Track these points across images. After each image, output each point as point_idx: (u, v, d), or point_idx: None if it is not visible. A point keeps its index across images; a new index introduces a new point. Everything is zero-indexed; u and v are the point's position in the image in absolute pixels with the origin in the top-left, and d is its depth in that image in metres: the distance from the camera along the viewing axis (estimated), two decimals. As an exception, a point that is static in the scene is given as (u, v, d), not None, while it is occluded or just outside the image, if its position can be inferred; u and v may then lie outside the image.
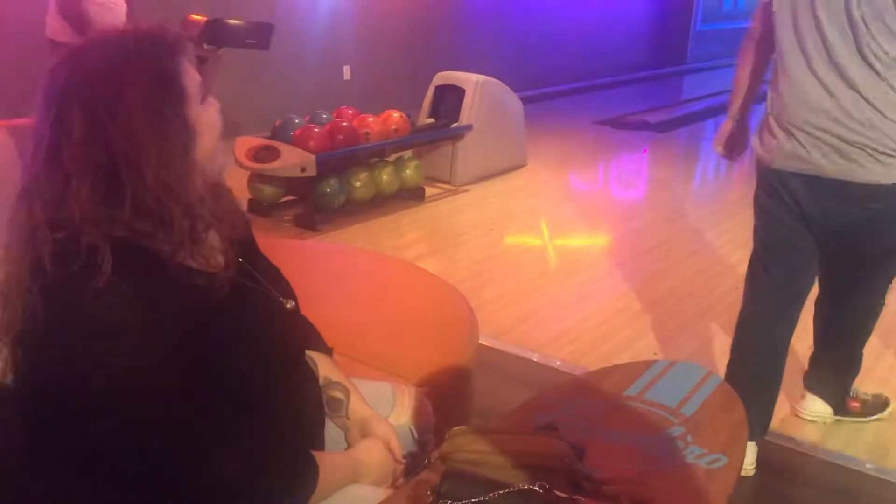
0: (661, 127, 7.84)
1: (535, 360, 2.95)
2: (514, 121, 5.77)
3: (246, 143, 4.24)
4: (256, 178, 4.38)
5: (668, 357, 2.99)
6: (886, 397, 2.66)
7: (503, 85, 5.63)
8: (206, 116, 1.12)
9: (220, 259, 1.16)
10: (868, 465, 2.37)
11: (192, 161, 1.08)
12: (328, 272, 2.18)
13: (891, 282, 2.27)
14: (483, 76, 5.46)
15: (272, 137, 4.36)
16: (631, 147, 7.25)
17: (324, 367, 1.41)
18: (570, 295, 3.60)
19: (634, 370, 1.66)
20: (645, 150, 7.07)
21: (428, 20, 7.75)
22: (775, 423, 2.57)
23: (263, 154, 4.15)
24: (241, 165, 4.22)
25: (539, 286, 3.71)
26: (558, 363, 2.93)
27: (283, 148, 4.19)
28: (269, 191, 4.41)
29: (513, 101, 5.75)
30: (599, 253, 4.32)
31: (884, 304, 2.32)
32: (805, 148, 2.02)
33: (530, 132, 6.02)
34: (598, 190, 5.87)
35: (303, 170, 4.11)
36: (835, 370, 2.55)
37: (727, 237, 4.47)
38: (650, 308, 3.45)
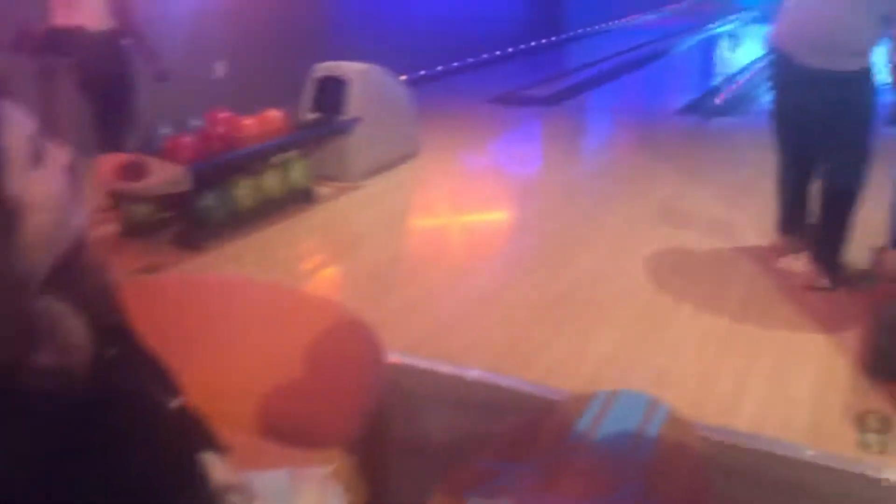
0: (550, 100, 7.75)
1: (452, 373, 2.72)
2: (402, 109, 5.51)
3: (109, 161, 3.82)
4: (126, 198, 3.96)
5: (592, 353, 2.84)
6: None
7: (387, 72, 5.36)
8: (40, 187, 0.81)
9: (80, 349, 0.87)
10: (808, 453, 2.28)
11: (18, 246, 0.78)
12: (194, 316, 1.88)
13: None
14: (366, 64, 5.18)
15: (139, 151, 3.96)
16: (522, 124, 7.13)
17: (216, 469, 1.14)
18: (480, 292, 3.40)
19: (575, 408, 1.47)
20: (537, 127, 6.96)
21: (303, 9, 7.36)
22: (706, 415, 2.47)
23: (130, 171, 3.74)
24: (106, 188, 3.81)
25: (446, 286, 3.50)
26: (477, 374, 2.72)
27: (153, 162, 3.80)
28: (142, 211, 4.00)
29: (399, 89, 5.49)
30: (505, 242, 4.15)
31: None
32: None
33: (421, 117, 5.78)
34: (496, 173, 5.68)
35: (176, 185, 3.74)
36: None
37: (625, 212, 4.38)
38: (563, 299, 3.30)
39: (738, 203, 4.45)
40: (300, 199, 4.55)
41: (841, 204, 3.30)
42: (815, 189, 3.46)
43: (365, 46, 7.20)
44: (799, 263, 3.47)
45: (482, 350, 2.87)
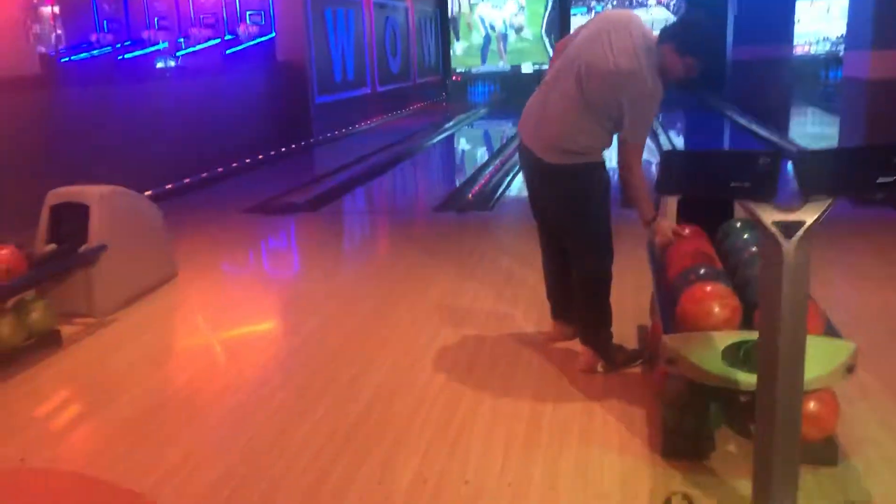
0: (308, 207, 7.67)
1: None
2: (153, 230, 5.11)
3: None
4: None
5: (400, 479, 2.67)
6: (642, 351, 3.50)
7: (134, 193, 4.98)
8: None
9: None
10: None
11: None
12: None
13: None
14: (108, 187, 4.75)
15: None
16: (283, 232, 6.96)
17: None
18: (270, 429, 3.11)
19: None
20: (299, 234, 6.84)
21: (27, 129, 6.70)
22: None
23: None
24: None
25: (230, 428, 3.15)
26: (281, 527, 2.45)
27: None
28: None
29: (149, 209, 5.10)
30: (286, 367, 3.88)
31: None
32: None
33: (174, 235, 5.40)
34: (263, 289, 5.41)
35: None
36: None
37: (405, 316, 4.33)
38: (359, 423, 3.10)
39: (509, 293, 4.59)
40: (43, 343, 3.98)
41: (589, 289, 3.44)
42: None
43: (104, 165, 6.71)
44: (578, 349, 3.58)
45: (282, 498, 2.60)
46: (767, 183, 2.16)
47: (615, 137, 3.32)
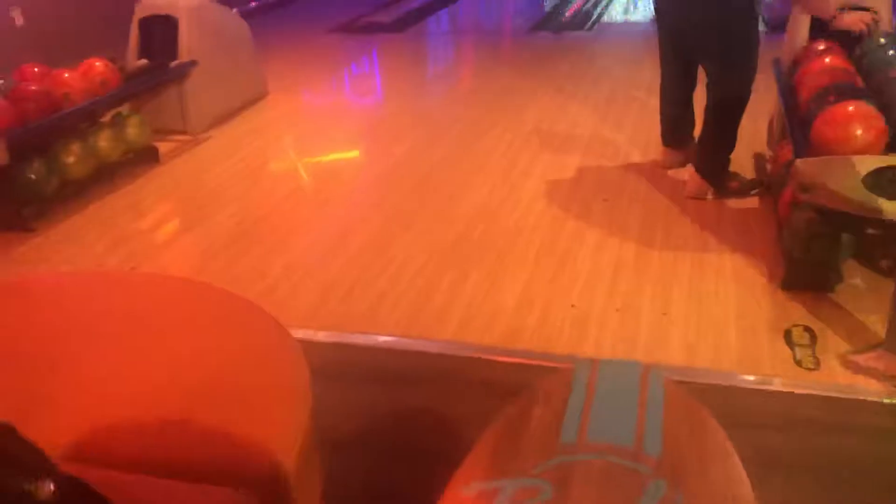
0: (394, 27, 7.34)
1: (361, 343, 2.43)
2: (243, 47, 4.96)
3: None
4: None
5: (505, 299, 2.61)
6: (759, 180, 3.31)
7: (222, 7, 4.79)
8: None
9: None
10: (749, 379, 2.19)
11: None
12: (37, 332, 1.48)
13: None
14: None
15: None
16: (370, 53, 6.71)
17: None
18: (369, 247, 3.07)
19: (555, 394, 1.21)
20: (386, 55, 6.58)
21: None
22: (637, 352, 2.32)
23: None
24: None
25: (329, 245, 3.13)
26: (388, 340, 2.44)
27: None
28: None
29: (237, 25, 4.93)
30: (382, 188, 3.80)
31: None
32: None
33: (263, 54, 5.25)
34: (355, 110, 5.28)
35: (-10, 158, 3.13)
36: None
37: (502, 140, 4.15)
38: (460, 243, 3.04)
39: (612, 118, 4.34)
40: (141, 159, 3.99)
41: (725, 110, 3.20)
42: (698, 99, 3.36)
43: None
44: (687, 175, 3.37)
45: (388, 313, 2.58)
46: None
47: None
